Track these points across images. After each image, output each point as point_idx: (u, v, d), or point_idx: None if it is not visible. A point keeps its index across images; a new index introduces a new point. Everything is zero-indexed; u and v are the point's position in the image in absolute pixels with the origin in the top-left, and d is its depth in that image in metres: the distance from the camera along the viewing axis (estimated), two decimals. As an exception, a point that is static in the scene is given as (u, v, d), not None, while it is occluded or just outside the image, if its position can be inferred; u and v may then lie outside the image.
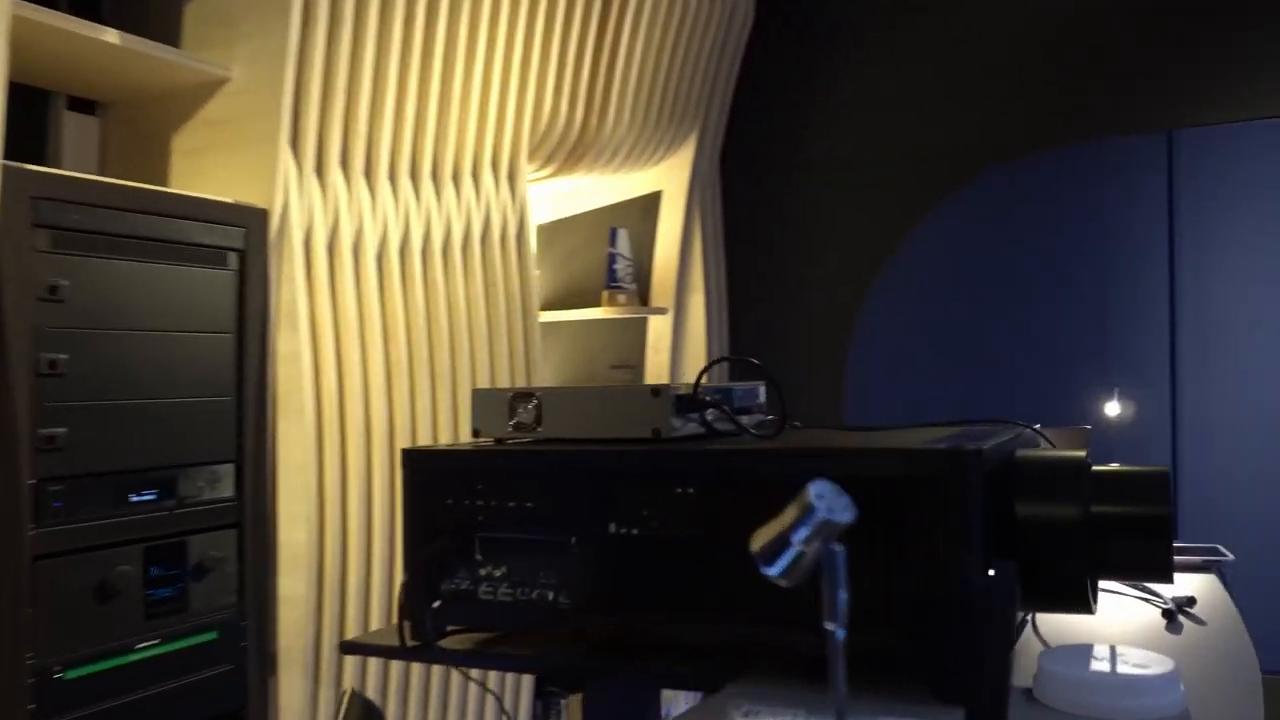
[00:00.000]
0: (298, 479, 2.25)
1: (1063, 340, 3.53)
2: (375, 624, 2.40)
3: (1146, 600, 1.45)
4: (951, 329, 3.69)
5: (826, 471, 1.12)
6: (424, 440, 2.56)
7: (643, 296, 3.79)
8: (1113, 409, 2.40)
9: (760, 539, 0.89)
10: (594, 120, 3.18)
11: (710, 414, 1.42)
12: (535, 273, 2.98)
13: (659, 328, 3.76)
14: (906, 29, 3.82)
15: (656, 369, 3.77)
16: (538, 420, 1.42)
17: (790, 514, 0.87)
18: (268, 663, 2.20)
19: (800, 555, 0.84)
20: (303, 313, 2.27)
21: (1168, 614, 1.40)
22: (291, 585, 2.23)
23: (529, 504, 1.28)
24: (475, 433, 1.47)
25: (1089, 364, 3.48)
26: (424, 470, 1.34)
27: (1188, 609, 1.41)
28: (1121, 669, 1.03)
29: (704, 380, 1.41)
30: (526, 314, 2.93)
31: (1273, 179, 3.27)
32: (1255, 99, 3.31)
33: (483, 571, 1.31)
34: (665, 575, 1.19)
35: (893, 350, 3.79)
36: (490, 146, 2.84)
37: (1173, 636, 1.33)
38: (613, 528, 1.22)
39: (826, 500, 0.84)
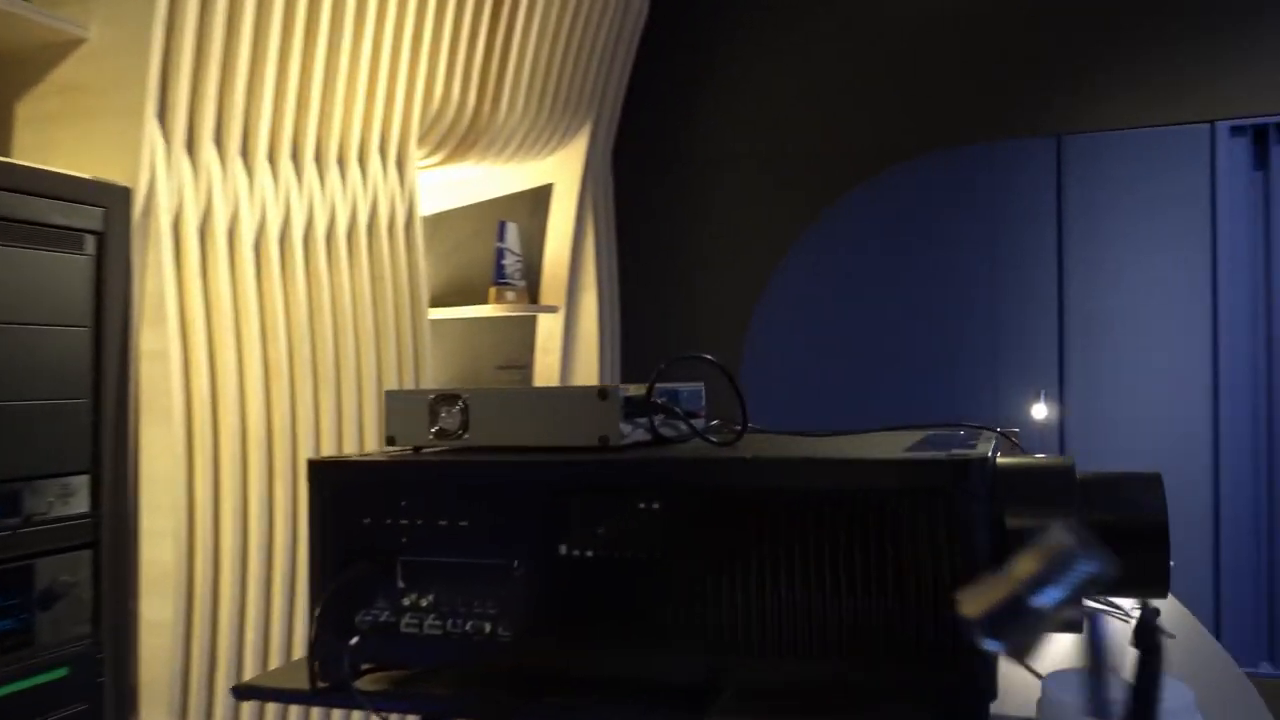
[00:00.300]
0: (163, 492, 2.00)
1: (954, 340, 3.54)
2: (249, 653, 2.17)
3: (1108, 613, 1.40)
4: (846, 328, 3.67)
5: (816, 483, 1.00)
6: (306, 449, 2.34)
7: (532, 294, 3.63)
8: (1039, 411, 2.38)
9: (980, 602, 0.73)
10: (487, 106, 3.01)
11: (658, 419, 1.29)
12: (424, 266, 2.79)
13: (549, 327, 3.61)
14: (802, 28, 3.77)
15: (546, 370, 3.61)
16: (464, 426, 1.26)
17: (1027, 567, 0.73)
18: (127, 700, 1.95)
19: (1043, 621, 0.70)
20: (171, 305, 2.02)
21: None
22: (156, 610, 1.98)
23: (463, 522, 1.11)
24: (389, 440, 1.29)
25: (980, 364, 3.50)
26: (335, 484, 1.16)
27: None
28: (1134, 696, 0.95)
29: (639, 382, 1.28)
30: (416, 310, 2.73)
31: (1156, 185, 3.36)
32: (1141, 108, 3.39)
33: (406, 600, 1.14)
34: (624, 602, 1.05)
35: (787, 351, 3.74)
36: (378, 129, 2.63)
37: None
38: (563, 549, 1.07)
39: (1080, 549, 0.70)
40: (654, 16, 3.74)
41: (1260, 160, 3.31)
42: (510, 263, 3.55)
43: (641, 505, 1.05)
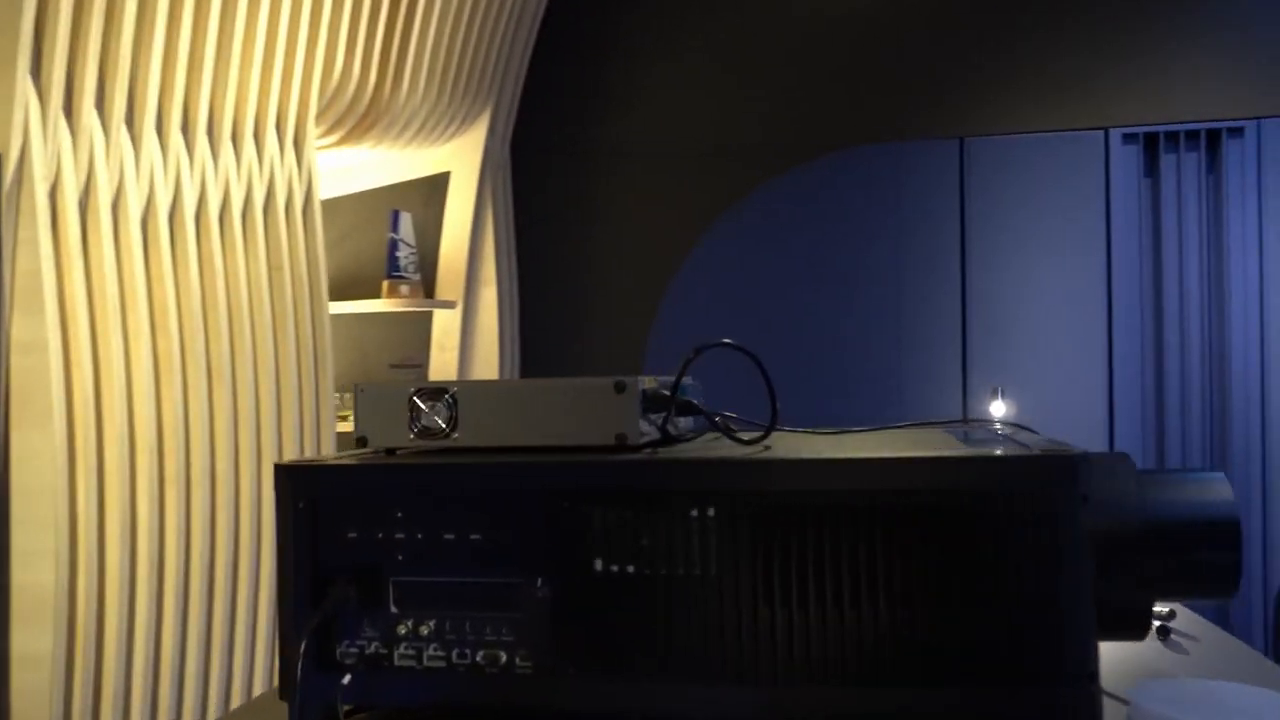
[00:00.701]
0: (40, 505, 1.74)
1: (858, 339, 3.53)
2: (138, 689, 1.92)
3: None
4: (750, 326, 3.60)
5: (900, 485, 0.89)
6: (200, 456, 2.09)
7: (428, 288, 3.42)
8: (998, 408, 2.36)
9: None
10: (388, 85, 2.80)
11: (659, 416, 1.15)
12: (324, 253, 2.56)
13: (446, 323, 3.41)
14: (707, 23, 3.70)
15: (443, 369, 3.41)
16: (452, 423, 1.09)
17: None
18: (-4, 746, 1.68)
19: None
20: (48, 288, 1.76)
21: (1161, 631, 1.29)
22: (32, 641, 1.72)
23: (474, 535, 0.95)
24: (360, 441, 1.11)
25: (884, 363, 3.50)
26: (312, 493, 0.98)
27: (1170, 623, 1.30)
28: (1241, 714, 0.87)
29: (650, 375, 1.14)
30: (316, 302, 2.51)
31: (1054, 188, 3.42)
32: (1039, 113, 3.45)
33: (401, 628, 0.97)
34: (672, 626, 0.91)
35: (689, 345, 3.64)
36: (275, 103, 2.40)
37: (1181, 656, 1.21)
38: (599, 564, 0.92)
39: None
40: (554, 4, 3.59)
41: (1150, 167, 3.42)
42: (404, 255, 3.34)
43: (694, 513, 0.91)
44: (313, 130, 2.53)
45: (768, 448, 1.03)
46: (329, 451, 2.52)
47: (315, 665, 0.97)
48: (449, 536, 0.95)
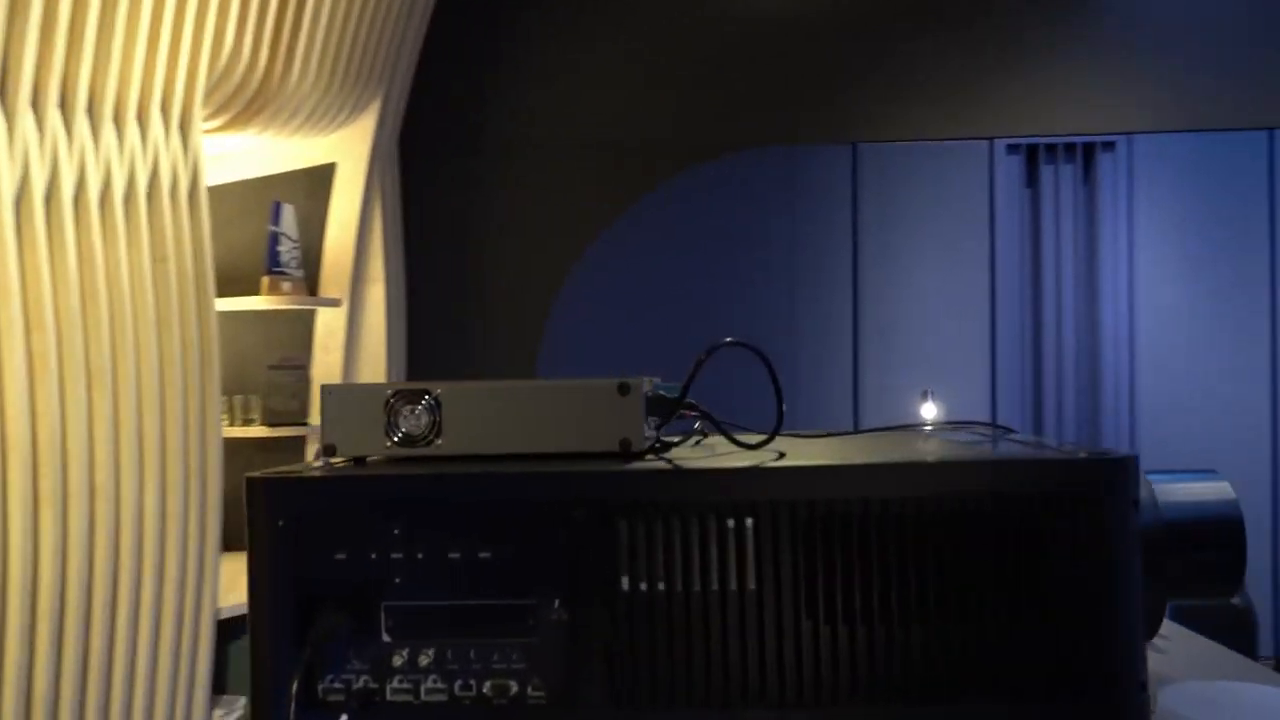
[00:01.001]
0: (-101, 523, 1.53)
1: (752, 338, 3.53)
2: (12, 721, 1.72)
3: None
4: (643, 328, 3.56)
5: (947, 490, 0.84)
6: (79, 466, 1.89)
7: (311, 285, 3.23)
8: (929, 410, 2.37)
9: None
10: (278, 67, 2.62)
11: (653, 420, 1.08)
12: (210, 244, 2.38)
13: (330, 322, 3.23)
14: (606, 20, 3.63)
15: (326, 370, 3.23)
16: (435, 429, 0.99)
17: None
18: None
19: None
20: (-89, 279, 1.55)
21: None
22: (-110, 682, 1.50)
23: (483, 553, 0.85)
24: (328, 450, 1.00)
25: (776, 362, 3.50)
26: (297, 510, 0.86)
27: (1139, 623, 1.31)
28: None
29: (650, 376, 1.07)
30: (201, 296, 2.32)
31: (942, 195, 3.51)
32: (928, 122, 3.53)
33: (395, 659, 0.86)
34: (709, 648, 0.84)
35: (584, 350, 3.58)
36: (160, 83, 2.21)
37: (1161, 656, 1.22)
38: (625, 583, 0.84)
39: None
40: (446, -11, 3.47)
41: (1031, 177, 3.55)
42: (286, 249, 3.14)
43: (731, 524, 0.84)
44: (200, 111, 2.34)
45: (783, 454, 0.98)
46: (215, 463, 2.34)
47: (306, 699, 0.86)
48: (454, 555, 0.86)
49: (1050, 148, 3.52)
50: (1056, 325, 3.50)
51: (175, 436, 2.19)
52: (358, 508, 0.86)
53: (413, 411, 1.00)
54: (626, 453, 0.98)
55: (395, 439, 1.00)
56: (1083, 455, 0.86)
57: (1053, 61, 3.52)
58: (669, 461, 0.92)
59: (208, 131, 2.56)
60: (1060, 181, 3.53)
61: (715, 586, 0.84)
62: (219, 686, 2.49)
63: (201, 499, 2.29)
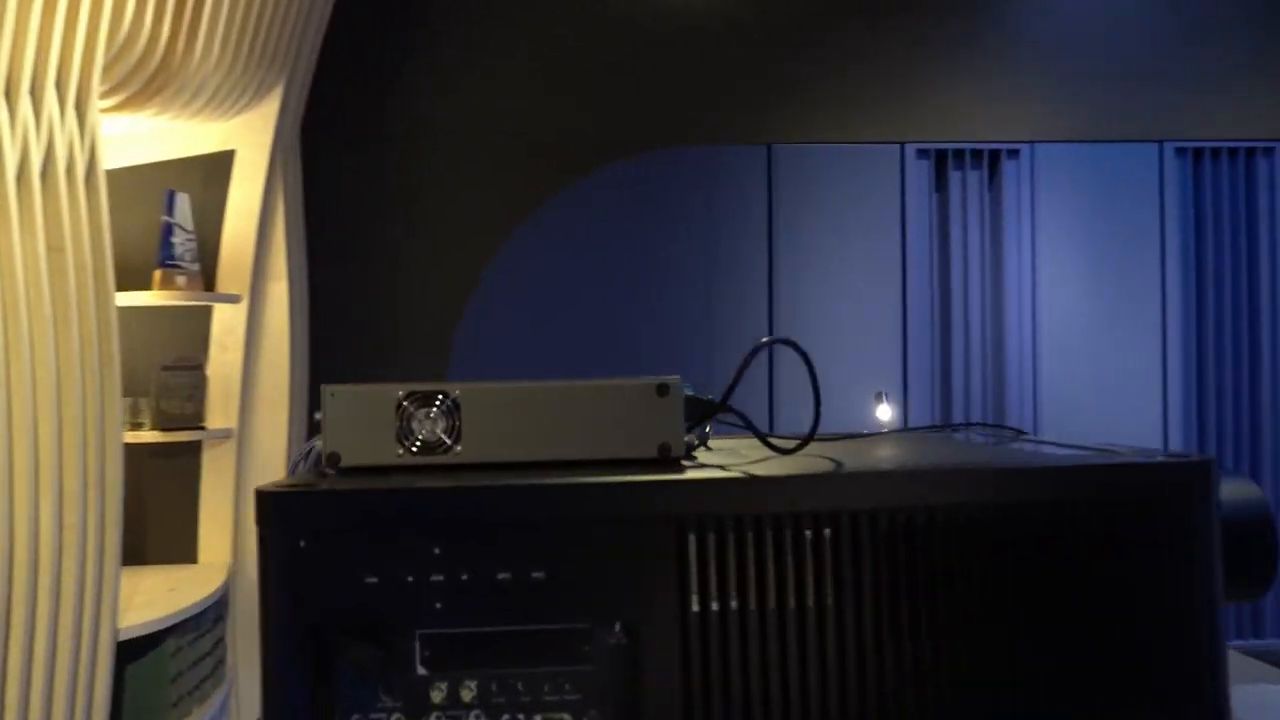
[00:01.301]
0: None
1: (668, 338, 3.49)
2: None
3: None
4: (560, 326, 3.47)
5: (1032, 493, 0.80)
6: (-28, 471, 1.70)
7: (207, 280, 3.03)
8: (884, 412, 2.35)
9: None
10: (180, 44, 2.43)
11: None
12: (109, 232, 2.18)
13: (228, 320, 3.04)
14: (522, 12, 3.52)
15: (224, 371, 3.03)
16: (454, 434, 0.90)
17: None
18: None
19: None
20: None
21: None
22: None
23: (536, 573, 0.77)
24: (331, 459, 0.89)
25: (695, 363, 3.47)
26: (319, 527, 0.76)
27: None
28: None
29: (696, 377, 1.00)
30: (100, 288, 2.13)
31: (856, 196, 3.54)
32: (842, 125, 3.56)
33: (434, 694, 0.77)
34: (786, 669, 0.77)
35: (498, 351, 3.47)
36: (55, 56, 2.01)
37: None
38: (695, 602, 0.77)
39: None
40: (352, -29, 3.31)
41: (940, 182, 3.61)
42: (180, 241, 2.93)
43: (808, 533, 0.78)
44: (97, 88, 2.15)
45: (839, 462, 0.92)
46: (116, 471, 2.14)
47: (323, 747, 0.75)
48: (503, 575, 0.77)
49: (958, 154, 3.59)
50: (964, 322, 3.58)
51: (74, 442, 2.00)
52: (391, 525, 0.76)
53: (428, 415, 0.91)
54: (666, 459, 0.91)
55: (409, 446, 0.90)
56: (1163, 459, 0.83)
57: (961, 72, 3.59)
58: (740, 470, 0.85)
59: (103, 111, 2.35)
60: (967, 186, 3.60)
61: (792, 604, 0.77)
62: (115, 714, 2.30)
63: (100, 510, 2.10)
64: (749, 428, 1.00)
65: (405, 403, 0.90)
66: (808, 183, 3.54)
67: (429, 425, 0.90)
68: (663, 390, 0.91)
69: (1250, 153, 3.59)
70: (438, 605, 0.76)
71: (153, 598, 2.59)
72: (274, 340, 3.11)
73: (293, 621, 0.75)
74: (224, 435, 3.02)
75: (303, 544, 0.76)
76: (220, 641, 2.92)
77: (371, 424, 0.90)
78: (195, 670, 2.67)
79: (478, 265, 3.48)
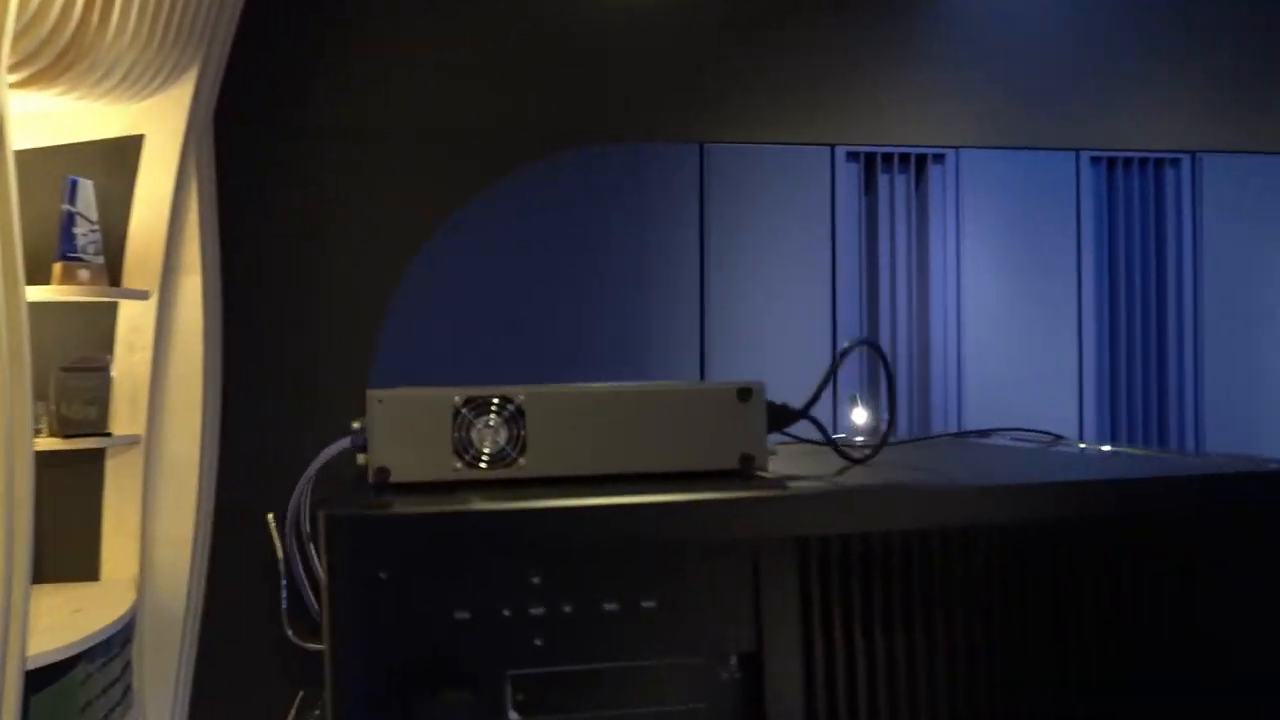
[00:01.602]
0: None
1: (599, 339, 3.41)
2: None
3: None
4: (486, 328, 3.36)
5: (1149, 506, 0.75)
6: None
7: (113, 275, 2.81)
8: (859, 415, 2.30)
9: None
10: (94, 16, 2.24)
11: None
12: (18, 218, 1.99)
13: (136, 317, 2.83)
14: (449, 3, 3.39)
15: (131, 372, 2.83)
16: (518, 445, 0.81)
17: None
18: None
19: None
20: None
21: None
22: None
23: (647, 603, 0.68)
24: (380, 475, 0.79)
25: (625, 363, 3.40)
26: (398, 555, 0.66)
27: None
28: None
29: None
30: (9, 279, 1.93)
31: (788, 197, 3.53)
32: (774, 125, 3.54)
33: (529, 741, 0.68)
34: (937, 699, 0.71)
35: (424, 352, 3.32)
36: (-38, 18, 1.81)
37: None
38: (819, 632, 0.70)
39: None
40: (269, -51, 3.12)
41: (869, 184, 3.63)
42: (83, 232, 2.71)
43: (981, 557, 0.71)
44: (5, 61, 1.95)
45: (945, 473, 0.86)
46: (26, 482, 1.95)
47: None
48: (611, 606, 0.68)
49: (886, 157, 3.61)
50: (891, 321, 3.61)
51: (-18, 452, 1.80)
52: (483, 552, 0.67)
53: (488, 424, 0.81)
54: (748, 471, 0.84)
55: (469, 458, 0.80)
56: (1275, 466, 0.80)
57: (891, 77, 3.61)
58: (848, 482, 0.78)
59: (10, 86, 2.14)
60: (895, 189, 3.63)
61: (940, 626, 0.71)
62: (20, 749, 2.09)
63: (9, 525, 1.90)
64: (825, 438, 0.93)
65: (464, 410, 0.81)
66: (740, 182, 3.51)
67: (490, 435, 0.81)
68: (744, 395, 0.84)
69: (1159, 163, 3.72)
70: (537, 642, 0.67)
71: (57, 620, 2.38)
72: (186, 339, 2.91)
73: (370, 662, 0.65)
74: (130, 442, 2.81)
75: (384, 575, 0.65)
76: (128, 665, 2.71)
77: (425, 434, 0.80)
78: (105, 698, 2.47)
79: (401, 263, 3.34)
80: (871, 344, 1.02)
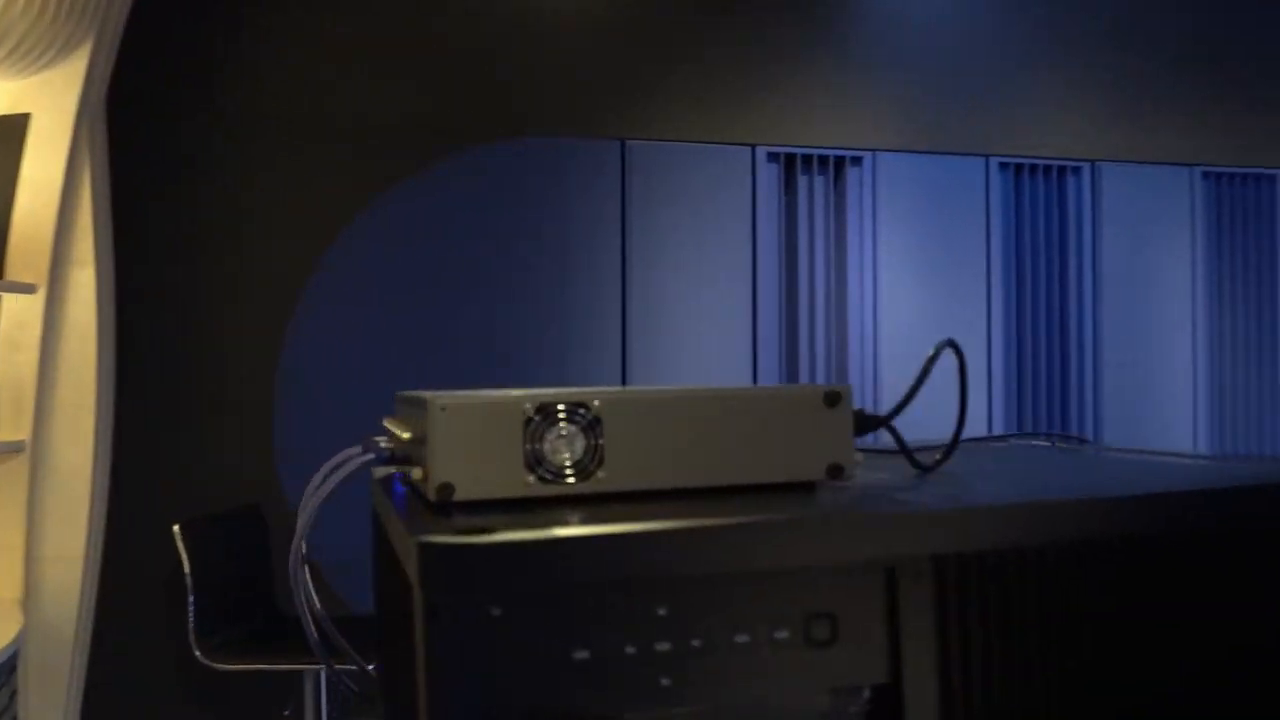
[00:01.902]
0: None
1: (517, 336, 3.31)
2: None
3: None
4: (401, 325, 3.22)
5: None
6: None
7: (-6, 266, 2.57)
8: None
9: None
10: (-15, -19, 2.03)
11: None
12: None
13: (21, 313, 2.60)
14: (355, -26, 3.23)
15: (15, 373, 2.59)
16: (595, 457, 0.73)
17: None
18: None
19: None
20: None
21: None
22: None
23: (780, 633, 0.61)
24: (443, 492, 0.70)
25: (543, 361, 3.32)
26: (513, 588, 0.57)
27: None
28: None
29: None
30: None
31: (709, 196, 3.50)
32: (696, 124, 3.50)
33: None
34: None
35: (334, 350, 3.16)
36: None
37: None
38: (960, 659, 0.64)
39: None
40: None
41: (789, 185, 3.63)
42: (-39, 219, 2.47)
43: (1111, 566, 0.66)
44: (-112, 25, 1.74)
45: (1055, 484, 0.81)
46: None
47: None
48: (742, 639, 0.60)
49: (806, 158, 3.62)
50: (810, 319, 3.62)
51: None
52: (603, 583, 0.58)
53: (561, 433, 0.73)
54: (836, 478, 0.77)
55: (541, 472, 0.72)
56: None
57: (812, 80, 3.62)
58: (979, 500, 0.72)
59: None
60: (814, 190, 3.64)
61: (1086, 648, 0.66)
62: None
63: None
64: (900, 447, 0.88)
65: (537, 418, 0.72)
66: (662, 179, 3.46)
67: (566, 445, 0.72)
68: (832, 400, 0.78)
69: (1062, 170, 3.83)
70: (664, 681, 0.59)
71: (-62, 647, 2.16)
72: (77, 337, 2.68)
73: (482, 713, 0.56)
74: (14, 449, 2.57)
75: (498, 613, 0.56)
76: (14, 696, 2.48)
77: (493, 445, 0.71)
78: (-8, 731, 2.25)
79: (310, 257, 3.16)
80: (953, 345, 0.97)
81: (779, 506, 0.65)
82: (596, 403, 0.73)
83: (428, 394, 0.72)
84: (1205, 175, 3.88)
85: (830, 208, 3.67)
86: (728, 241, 3.52)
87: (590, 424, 0.73)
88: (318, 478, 0.87)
